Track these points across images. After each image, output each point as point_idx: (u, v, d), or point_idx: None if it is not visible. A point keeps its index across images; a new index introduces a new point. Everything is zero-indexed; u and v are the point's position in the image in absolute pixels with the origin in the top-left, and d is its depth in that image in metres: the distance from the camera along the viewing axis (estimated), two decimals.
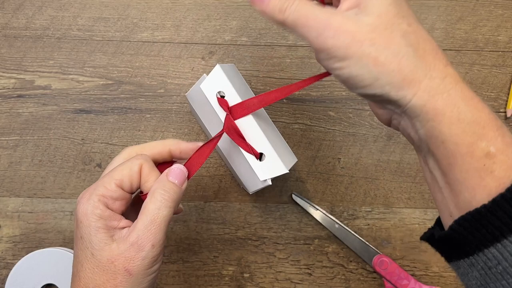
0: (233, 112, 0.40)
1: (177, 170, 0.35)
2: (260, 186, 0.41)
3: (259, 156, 0.40)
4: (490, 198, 0.26)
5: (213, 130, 0.44)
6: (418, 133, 0.30)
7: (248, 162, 0.40)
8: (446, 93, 0.28)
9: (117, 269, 0.32)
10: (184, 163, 0.37)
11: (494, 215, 0.26)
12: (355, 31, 0.29)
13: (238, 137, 0.40)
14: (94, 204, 0.33)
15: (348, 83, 0.30)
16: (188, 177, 0.36)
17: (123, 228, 0.34)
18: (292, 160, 0.45)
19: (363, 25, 0.29)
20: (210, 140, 0.37)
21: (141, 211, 0.34)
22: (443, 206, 0.30)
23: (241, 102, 0.40)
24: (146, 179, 0.35)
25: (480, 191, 0.27)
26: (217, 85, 0.40)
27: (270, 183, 0.40)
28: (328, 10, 0.30)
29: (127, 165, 0.35)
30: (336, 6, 0.33)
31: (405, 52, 0.29)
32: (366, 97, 0.31)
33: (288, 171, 0.40)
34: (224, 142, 0.43)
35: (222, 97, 0.41)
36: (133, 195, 0.37)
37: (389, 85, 0.29)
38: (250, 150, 0.40)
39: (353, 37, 0.29)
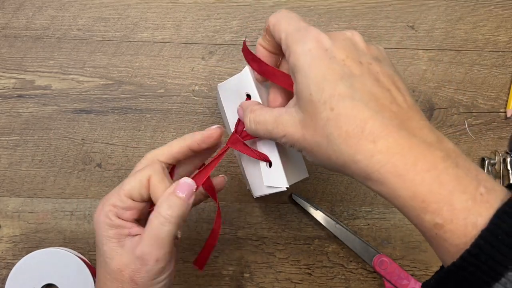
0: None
1: (185, 184, 0.35)
2: (266, 192, 0.40)
3: (270, 164, 0.39)
4: (453, 260, 0.26)
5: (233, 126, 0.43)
6: None
7: (260, 166, 0.39)
8: (376, 172, 0.28)
9: (125, 278, 0.33)
10: (192, 176, 0.37)
11: (461, 277, 0.26)
12: (294, 132, 0.33)
13: (244, 147, 0.39)
14: (106, 214, 0.34)
15: None
16: (196, 189, 0.36)
17: (136, 235, 0.35)
18: (301, 175, 0.43)
19: (296, 122, 0.32)
20: (216, 156, 0.38)
21: (146, 225, 0.34)
22: None
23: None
24: (154, 191, 0.35)
25: (445, 253, 0.27)
26: (243, 85, 0.40)
27: (275, 192, 0.39)
28: (275, 113, 0.34)
29: (137, 177, 0.35)
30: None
31: (327, 142, 0.30)
32: None
33: (285, 189, 0.39)
34: None
35: (249, 96, 0.40)
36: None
37: (332, 169, 0.32)
38: (259, 156, 0.39)
39: (293, 137, 0.33)
